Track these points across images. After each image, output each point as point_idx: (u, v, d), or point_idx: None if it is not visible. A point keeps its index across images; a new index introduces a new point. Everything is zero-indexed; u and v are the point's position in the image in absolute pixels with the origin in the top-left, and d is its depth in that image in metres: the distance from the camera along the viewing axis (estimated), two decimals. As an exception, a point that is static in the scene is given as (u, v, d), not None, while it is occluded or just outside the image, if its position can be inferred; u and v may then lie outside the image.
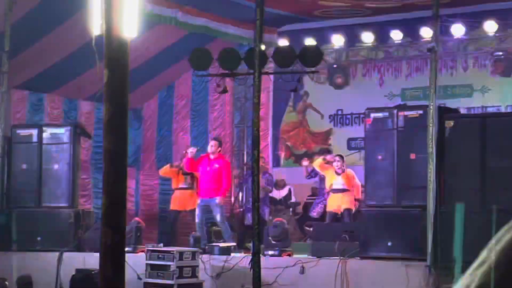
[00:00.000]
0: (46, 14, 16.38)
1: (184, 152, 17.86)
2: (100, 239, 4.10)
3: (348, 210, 16.32)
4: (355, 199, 16.59)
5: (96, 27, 4.59)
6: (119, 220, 4.04)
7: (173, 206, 17.63)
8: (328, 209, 16.67)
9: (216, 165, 16.60)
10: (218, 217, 16.69)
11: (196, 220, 16.75)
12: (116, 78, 4.07)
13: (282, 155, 20.40)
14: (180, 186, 17.39)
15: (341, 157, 16.85)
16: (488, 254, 0.73)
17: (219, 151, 16.97)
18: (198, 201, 16.79)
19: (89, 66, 14.68)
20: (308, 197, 18.90)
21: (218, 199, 16.56)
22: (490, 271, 0.72)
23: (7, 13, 15.47)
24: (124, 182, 4.10)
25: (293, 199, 19.02)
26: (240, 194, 19.65)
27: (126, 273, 13.16)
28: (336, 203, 16.48)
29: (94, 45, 4.45)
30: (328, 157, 16.98)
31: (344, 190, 16.39)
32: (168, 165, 17.91)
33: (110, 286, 4.03)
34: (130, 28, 4.13)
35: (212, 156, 16.70)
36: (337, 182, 16.50)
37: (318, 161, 17.08)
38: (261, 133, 12.17)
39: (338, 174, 16.50)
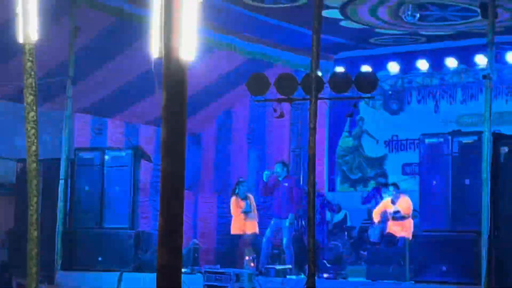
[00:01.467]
0: (109, 42, 16.51)
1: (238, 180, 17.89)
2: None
3: (404, 237, 16.21)
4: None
5: (155, 50, 4.58)
6: (175, 240, 4.01)
7: (233, 230, 17.63)
8: (387, 232, 16.61)
9: (286, 184, 16.61)
10: (285, 240, 16.65)
11: (264, 239, 16.73)
12: (174, 100, 4.05)
13: (338, 179, 20.33)
14: (244, 210, 17.41)
15: (396, 185, 16.78)
16: None
17: (287, 171, 17.01)
18: (272, 221, 16.83)
19: (149, 93, 14.78)
20: (364, 221, 18.77)
21: (289, 219, 16.54)
22: None
23: (72, 41, 15.60)
24: (181, 202, 4.07)
25: (348, 223, 18.95)
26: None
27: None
28: (393, 229, 16.41)
29: (153, 68, 4.46)
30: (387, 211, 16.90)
31: (402, 217, 16.32)
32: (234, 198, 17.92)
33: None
34: (188, 51, 4.12)
35: (280, 178, 16.71)
36: (393, 209, 16.44)
37: (383, 203, 17.00)
38: (316, 158, 12.11)
39: (393, 202, 16.43)
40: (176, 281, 4.03)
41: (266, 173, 17.15)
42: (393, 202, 16.47)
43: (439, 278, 13.53)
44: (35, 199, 9.24)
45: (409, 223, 16.33)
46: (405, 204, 16.40)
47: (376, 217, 16.90)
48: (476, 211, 13.03)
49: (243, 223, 17.38)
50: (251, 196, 17.60)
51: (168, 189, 4.07)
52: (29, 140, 9.24)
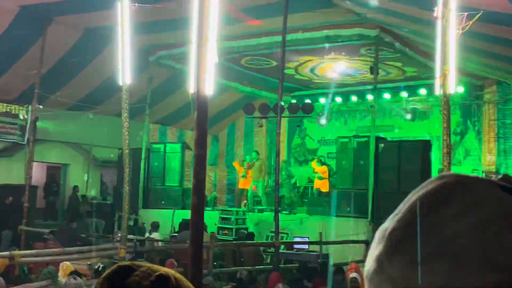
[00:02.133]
0: (169, 85, 16.48)
1: (243, 160, 17.74)
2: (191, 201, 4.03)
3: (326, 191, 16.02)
4: None
5: (191, 89, 4.56)
6: (201, 192, 3.96)
7: (240, 186, 17.51)
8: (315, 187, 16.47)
9: (259, 163, 16.50)
10: (259, 192, 16.57)
11: (249, 193, 16.63)
12: (201, 115, 4.01)
13: (292, 160, 20.24)
14: (242, 176, 17.32)
15: (320, 160, 16.60)
16: (402, 207, 0.60)
17: (259, 156, 16.88)
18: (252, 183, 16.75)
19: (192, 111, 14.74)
20: (306, 183, 18.67)
21: (260, 182, 16.46)
22: (400, 219, 0.60)
23: (148, 84, 15.56)
24: (205, 172, 4.02)
25: (297, 184, 18.84)
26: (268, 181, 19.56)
27: (207, 221, 13.15)
28: (317, 185, 16.23)
29: (191, 99, 4.47)
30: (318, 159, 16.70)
31: (322, 178, 16.11)
32: (236, 162, 17.81)
33: (195, 227, 3.95)
34: (208, 89, 4.08)
35: (255, 160, 16.59)
36: (319, 172, 16.21)
37: (313, 163, 16.78)
38: (280, 149, 12.03)
39: (318, 168, 16.24)
40: (201, 215, 3.98)
41: (249, 157, 17.18)
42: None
43: (346, 214, 13.51)
44: (127, 170, 9.19)
45: (326, 182, 16.15)
46: (323, 170, 16.22)
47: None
48: (366, 178, 13.01)
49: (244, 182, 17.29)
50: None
51: (198, 164, 4.02)
52: (124, 137, 9.19)
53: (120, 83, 9.27)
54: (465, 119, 16.83)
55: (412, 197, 0.69)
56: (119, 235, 10.09)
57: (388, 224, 0.69)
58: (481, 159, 16.24)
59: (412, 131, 17.47)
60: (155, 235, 13.24)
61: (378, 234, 0.70)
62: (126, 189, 9.13)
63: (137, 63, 11.80)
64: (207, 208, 15.69)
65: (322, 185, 16.09)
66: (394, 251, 0.65)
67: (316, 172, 16.24)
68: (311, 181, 18.03)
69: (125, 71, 9.27)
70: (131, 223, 14.41)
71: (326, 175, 16.13)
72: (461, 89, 15.62)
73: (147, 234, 13.52)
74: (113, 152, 17.45)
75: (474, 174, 0.69)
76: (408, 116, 17.69)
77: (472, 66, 14.25)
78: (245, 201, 16.35)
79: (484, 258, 0.60)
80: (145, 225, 14.74)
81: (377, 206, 12.58)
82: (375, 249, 0.68)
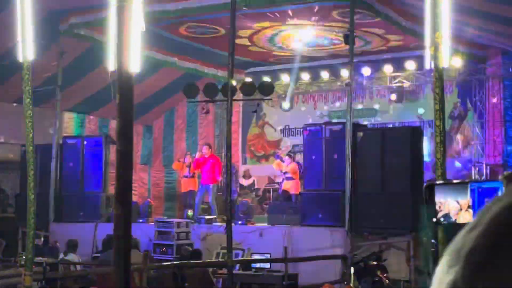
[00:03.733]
0: (86, 61, 16.30)
1: (186, 154, 17.72)
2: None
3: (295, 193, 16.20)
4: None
5: (111, 65, 4.51)
6: (126, 198, 3.94)
7: (183, 189, 17.47)
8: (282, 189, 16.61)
9: (211, 161, 16.51)
10: (210, 198, 16.61)
11: (196, 199, 16.63)
12: (125, 100, 3.97)
13: (248, 156, 20.36)
14: (185, 175, 17.26)
15: (290, 156, 16.80)
16: (479, 220, 0.60)
17: (211, 151, 16.90)
18: (199, 186, 16.71)
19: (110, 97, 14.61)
20: (266, 185, 18.85)
21: (211, 185, 16.47)
22: (481, 235, 0.60)
23: (59, 60, 15.36)
24: (130, 172, 4.00)
25: (256, 186, 18.99)
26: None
27: (140, 236, 13.00)
28: (286, 187, 16.40)
29: (110, 77, 4.41)
30: (280, 156, 16.92)
31: (291, 178, 16.29)
32: (176, 162, 17.83)
33: (121, 243, 3.93)
34: (133, 65, 4.05)
35: (207, 156, 16.59)
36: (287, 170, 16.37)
37: (275, 163, 16.96)
38: (233, 142, 12.06)
39: (286, 166, 16.39)
40: (126, 226, 3.96)
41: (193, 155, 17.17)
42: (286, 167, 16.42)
43: (317, 222, 13.62)
44: (31, 172, 9.06)
45: (297, 183, 16.31)
46: (293, 168, 16.34)
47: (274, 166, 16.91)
48: (341, 176, 13.15)
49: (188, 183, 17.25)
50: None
51: (122, 162, 3.99)
52: (27, 130, 9.05)
53: (20, 59, 9.10)
54: (464, 99, 17.20)
55: (493, 207, 0.69)
56: (24, 257, 9.95)
57: (462, 242, 0.68)
58: (484, 149, 16.63)
59: (399, 116, 17.77)
60: (71, 257, 13.09)
61: (450, 255, 0.69)
62: (31, 197, 8.98)
63: (43, 34, 11.59)
64: (140, 220, 15.66)
65: (292, 187, 16.16)
66: (476, 277, 0.65)
67: (284, 172, 16.34)
68: (272, 181, 18.14)
69: (26, 43, 9.10)
70: (40, 242, 14.19)
71: (297, 174, 16.23)
72: (458, 62, 15.94)
73: (61, 256, 13.35)
74: (13, 150, 17.12)
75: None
76: (393, 97, 17.98)
77: (471, 33, 14.55)
78: (190, 210, 16.34)
79: None
80: (58, 244, 14.55)
81: (356, 212, 12.73)
82: (446, 274, 0.68)
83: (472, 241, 0.67)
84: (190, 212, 16.12)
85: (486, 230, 0.67)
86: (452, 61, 15.33)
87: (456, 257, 0.67)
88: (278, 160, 16.76)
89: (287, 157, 16.68)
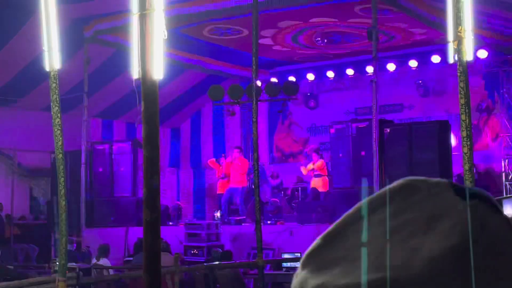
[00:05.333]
0: (112, 66, 16.44)
1: (221, 156, 17.78)
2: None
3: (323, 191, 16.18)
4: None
5: (135, 73, 4.57)
6: (155, 203, 4.00)
7: (219, 190, 17.55)
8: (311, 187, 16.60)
9: (239, 163, 16.59)
10: (238, 200, 16.69)
11: (223, 200, 16.72)
12: (150, 107, 4.04)
13: (275, 155, 20.39)
14: (221, 177, 17.33)
15: (317, 152, 16.75)
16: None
17: (241, 154, 16.97)
18: (228, 187, 16.80)
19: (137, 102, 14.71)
20: (294, 184, 18.85)
21: (240, 187, 16.54)
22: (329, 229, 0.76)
23: (85, 66, 15.50)
24: (158, 177, 4.06)
25: (284, 185, 19.00)
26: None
27: (171, 239, 13.11)
28: (315, 185, 16.38)
29: (134, 85, 4.46)
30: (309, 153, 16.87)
31: (320, 175, 16.24)
32: (213, 159, 17.87)
33: (150, 249, 3.99)
34: (158, 72, 4.11)
35: (236, 158, 16.67)
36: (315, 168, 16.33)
37: (302, 168, 16.94)
38: (260, 142, 12.11)
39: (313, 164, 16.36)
40: (156, 232, 4.02)
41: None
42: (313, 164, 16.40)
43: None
44: (62, 179, 9.16)
45: (325, 180, 16.28)
46: (321, 165, 16.31)
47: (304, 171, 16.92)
48: (369, 173, 13.13)
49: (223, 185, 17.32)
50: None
51: (149, 168, 4.06)
52: (56, 138, 9.15)
53: (47, 68, 9.22)
54: (491, 91, 17.07)
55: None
56: (57, 263, 10.07)
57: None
58: (514, 140, 16.49)
59: (425, 110, 17.68)
60: (104, 261, 13.23)
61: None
62: (62, 204, 9.09)
63: (69, 41, 11.72)
64: (170, 223, 15.78)
65: (320, 184, 16.15)
66: (307, 261, 0.77)
67: (312, 169, 16.34)
68: (301, 180, 18.15)
69: (52, 52, 9.21)
70: (72, 247, 14.35)
71: (325, 171, 16.23)
72: (484, 54, 15.82)
73: (93, 261, 13.50)
74: (43, 158, 17.33)
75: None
76: (420, 91, 17.90)
77: (496, 24, 14.42)
78: (219, 211, 16.44)
79: (375, 259, 0.72)
80: (90, 249, 14.72)
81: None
82: None
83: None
84: (218, 214, 16.22)
85: (335, 224, 0.80)
86: (478, 53, 15.24)
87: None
88: (303, 167, 16.76)
89: (314, 153, 16.68)
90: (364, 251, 0.72)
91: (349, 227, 0.77)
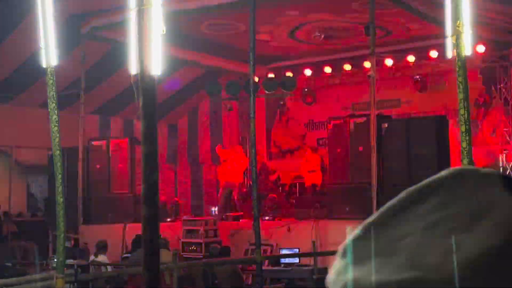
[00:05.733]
0: (109, 63, 16.40)
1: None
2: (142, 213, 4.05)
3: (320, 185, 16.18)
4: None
5: (133, 69, 4.55)
6: (153, 199, 3.98)
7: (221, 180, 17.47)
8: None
9: (238, 158, 16.59)
10: (236, 195, 16.69)
11: (223, 197, 16.70)
12: (148, 103, 4.02)
13: (273, 151, 20.39)
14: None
15: (311, 148, 16.76)
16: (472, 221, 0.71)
17: (241, 149, 16.96)
18: (224, 183, 16.76)
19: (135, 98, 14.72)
20: (292, 179, 18.84)
21: (238, 183, 16.55)
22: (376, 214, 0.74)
23: (81, 63, 15.47)
24: (157, 174, 4.05)
25: (281, 181, 18.99)
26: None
27: (169, 235, 13.11)
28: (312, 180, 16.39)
29: (133, 81, 4.46)
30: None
31: (313, 171, 16.24)
32: (220, 146, 17.74)
33: (149, 246, 3.97)
34: (156, 68, 4.09)
35: (236, 154, 16.68)
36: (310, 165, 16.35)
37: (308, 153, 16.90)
38: (257, 137, 12.10)
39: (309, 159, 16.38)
40: (155, 229, 4.01)
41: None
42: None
43: (345, 216, 13.60)
44: (59, 176, 9.14)
45: (319, 175, 16.21)
46: (315, 160, 16.27)
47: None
48: (367, 168, 13.11)
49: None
50: None
51: (147, 164, 4.04)
52: (53, 134, 9.13)
53: (44, 64, 9.19)
54: (488, 86, 17.07)
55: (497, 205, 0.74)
56: (55, 260, 10.06)
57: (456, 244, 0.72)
58: (511, 135, 16.49)
59: (424, 105, 17.66)
60: (102, 258, 13.22)
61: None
62: (60, 201, 9.07)
63: (66, 38, 11.68)
64: (168, 219, 15.75)
65: (315, 179, 16.18)
66: (346, 251, 0.77)
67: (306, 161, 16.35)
68: (299, 176, 18.13)
69: (49, 48, 9.18)
70: (70, 244, 14.33)
71: (318, 166, 16.22)
72: (481, 49, 15.81)
73: (91, 257, 13.48)
74: (40, 155, 17.30)
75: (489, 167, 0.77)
76: (417, 87, 17.88)
77: (494, 19, 14.41)
78: (217, 207, 16.41)
79: (410, 256, 0.70)
80: (88, 246, 14.70)
81: (383, 204, 12.58)
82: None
83: (478, 244, 0.69)
84: (216, 210, 16.21)
85: (381, 209, 0.77)
86: (476, 48, 15.23)
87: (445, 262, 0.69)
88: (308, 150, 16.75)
89: (308, 149, 16.70)
90: (400, 247, 0.70)
91: (391, 218, 0.75)
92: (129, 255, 13.02)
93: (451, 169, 0.76)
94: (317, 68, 19.00)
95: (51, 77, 9.06)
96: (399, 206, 0.76)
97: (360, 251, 0.74)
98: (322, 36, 16.59)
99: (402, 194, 0.78)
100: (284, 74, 18.05)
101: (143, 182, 3.90)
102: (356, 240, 0.76)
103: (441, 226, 0.71)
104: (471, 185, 0.73)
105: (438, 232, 0.70)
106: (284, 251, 12.81)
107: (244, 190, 19.26)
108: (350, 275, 0.72)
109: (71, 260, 11.52)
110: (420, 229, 0.71)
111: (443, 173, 0.75)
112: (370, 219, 0.78)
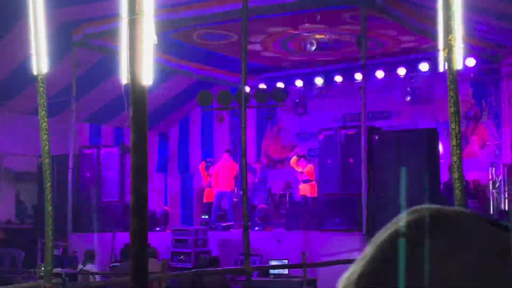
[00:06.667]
0: (100, 71, 16.35)
1: (208, 164, 17.56)
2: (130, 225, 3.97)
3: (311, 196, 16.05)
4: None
5: (124, 78, 4.49)
6: (142, 212, 3.91)
7: (205, 199, 17.34)
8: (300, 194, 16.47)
9: (229, 168, 16.50)
10: (227, 205, 16.60)
11: (213, 206, 16.60)
12: (138, 113, 3.95)
13: (264, 161, 20.32)
14: (208, 185, 17.17)
15: (305, 157, 16.60)
16: (369, 249, 0.66)
17: (231, 158, 16.84)
18: (216, 193, 16.64)
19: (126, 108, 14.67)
20: (282, 190, 18.78)
21: (228, 192, 16.46)
22: (369, 262, 0.66)
23: (73, 70, 15.40)
24: (146, 185, 3.98)
25: (272, 191, 18.92)
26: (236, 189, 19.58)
27: (158, 245, 13.00)
28: (304, 191, 16.23)
29: (123, 91, 4.39)
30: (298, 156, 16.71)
31: (309, 180, 16.10)
32: (203, 163, 17.58)
33: (137, 258, 3.90)
34: (147, 77, 4.03)
35: (226, 162, 16.58)
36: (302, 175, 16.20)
37: (293, 159, 16.73)
38: (248, 148, 12.04)
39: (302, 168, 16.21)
40: (144, 241, 3.93)
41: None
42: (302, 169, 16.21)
43: (335, 227, 13.56)
44: (48, 184, 9.05)
45: (314, 185, 16.07)
46: (309, 170, 16.14)
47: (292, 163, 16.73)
48: (357, 179, 13.09)
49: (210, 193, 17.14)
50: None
51: (137, 176, 3.97)
52: (43, 142, 9.04)
53: (35, 71, 9.11)
54: (479, 99, 17.09)
55: (381, 236, 0.74)
56: (43, 269, 9.96)
57: (354, 269, 0.73)
58: (501, 149, 16.51)
59: (414, 118, 17.67)
60: (90, 267, 13.11)
61: (343, 282, 0.74)
62: (49, 209, 8.98)
63: (57, 45, 11.61)
64: (157, 228, 15.66)
65: (309, 190, 15.99)
66: None
67: (301, 172, 16.20)
68: (289, 186, 18.08)
69: (40, 55, 9.11)
70: (59, 252, 14.21)
71: (314, 176, 16.09)
72: (472, 62, 15.83)
73: (80, 266, 13.37)
74: (30, 162, 17.18)
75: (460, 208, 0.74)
76: (408, 99, 17.89)
77: (485, 32, 14.44)
78: (206, 216, 16.33)
79: None
80: (77, 254, 14.58)
81: (373, 215, 12.67)
82: None
83: (361, 267, 0.72)
84: (206, 219, 16.11)
85: (374, 256, 0.72)
86: (467, 61, 15.24)
87: (348, 283, 0.73)
88: (295, 157, 16.61)
89: (302, 159, 16.59)
90: None
91: (388, 266, 0.70)
92: (118, 264, 12.92)
93: (425, 209, 0.72)
94: (309, 79, 19.00)
95: (42, 84, 8.98)
96: (394, 255, 0.70)
97: None
98: (314, 47, 16.58)
99: (386, 244, 0.73)
100: (276, 84, 18.01)
101: (132, 194, 3.82)
102: None
103: (485, 264, 0.67)
104: (469, 225, 0.70)
105: (486, 270, 0.67)
106: (273, 262, 12.73)
107: (235, 199, 19.22)
108: None
109: (59, 269, 11.40)
110: (458, 270, 0.67)
111: (421, 215, 0.72)
112: (365, 265, 0.73)
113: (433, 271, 0.66)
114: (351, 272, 0.74)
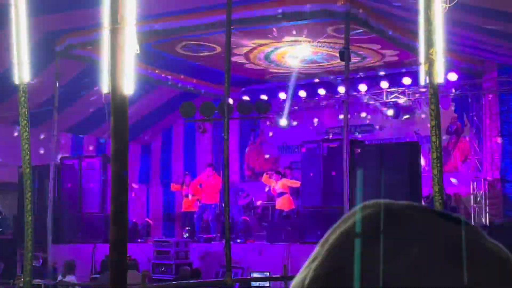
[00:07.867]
0: (83, 81, 16.31)
1: (185, 174, 17.71)
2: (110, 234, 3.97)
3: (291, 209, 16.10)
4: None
5: (105, 87, 4.50)
6: (122, 221, 3.92)
7: (183, 208, 17.40)
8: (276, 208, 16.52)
9: (212, 181, 16.53)
10: (210, 217, 16.59)
11: (195, 218, 16.60)
12: (119, 122, 3.97)
13: (246, 174, 20.32)
14: (185, 195, 17.23)
15: (278, 172, 16.70)
16: (320, 250, 0.63)
17: (213, 171, 16.89)
18: (200, 205, 16.65)
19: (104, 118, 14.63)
20: (264, 202, 18.75)
21: (212, 204, 16.48)
22: (321, 264, 0.63)
23: (56, 80, 15.36)
24: (126, 194, 3.98)
25: (254, 204, 18.90)
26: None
27: (139, 256, 12.94)
28: (280, 205, 16.29)
29: (103, 100, 4.42)
30: (269, 173, 16.87)
31: (283, 193, 16.14)
32: (174, 184, 17.77)
33: (116, 268, 3.90)
34: (128, 87, 4.05)
35: (208, 176, 16.63)
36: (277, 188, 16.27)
37: (264, 177, 16.89)
38: (231, 160, 12.05)
39: (275, 182, 16.28)
40: (123, 250, 3.94)
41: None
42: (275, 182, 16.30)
43: (317, 240, 13.54)
44: (29, 194, 9.01)
45: (289, 198, 16.13)
46: (284, 183, 16.18)
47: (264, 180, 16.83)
48: (340, 192, 13.11)
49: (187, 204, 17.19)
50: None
51: (117, 185, 3.98)
52: (24, 152, 9.01)
53: (16, 81, 9.09)
54: (460, 114, 17.21)
55: (332, 236, 0.71)
56: (22, 280, 9.89)
57: (305, 273, 0.70)
58: (482, 163, 16.62)
59: (396, 131, 17.77)
60: (70, 278, 13.03)
61: (294, 287, 0.71)
62: (28, 219, 8.93)
63: (40, 55, 11.59)
64: (139, 240, 15.60)
65: (285, 203, 16.09)
66: None
67: (274, 187, 16.26)
68: (271, 199, 18.09)
69: (22, 65, 9.09)
70: (38, 263, 14.11)
71: (287, 189, 16.13)
72: (454, 77, 15.97)
73: (59, 278, 13.28)
74: (10, 172, 17.07)
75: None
76: (390, 113, 17.99)
77: (466, 47, 14.58)
78: (188, 229, 16.30)
79: None
80: (57, 265, 14.49)
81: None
82: None
83: (313, 271, 0.69)
84: (188, 231, 16.09)
85: (326, 258, 0.69)
86: (448, 76, 15.37)
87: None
88: (265, 174, 16.75)
89: (275, 174, 16.60)
90: None
91: (340, 270, 0.68)
92: (98, 275, 12.85)
93: (375, 204, 0.72)
94: (292, 92, 19.03)
95: (23, 94, 8.96)
96: (344, 256, 0.68)
97: None
98: (297, 60, 16.66)
99: (336, 243, 0.71)
100: (259, 97, 18.06)
101: (112, 203, 3.83)
102: None
103: (434, 261, 0.66)
104: (418, 221, 0.69)
105: (436, 268, 0.65)
106: (255, 275, 12.72)
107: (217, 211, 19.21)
108: None
109: (39, 280, 11.33)
110: (405, 270, 0.65)
111: (369, 212, 0.71)
112: (320, 263, 0.70)
113: (384, 270, 0.64)
114: (302, 276, 0.71)
